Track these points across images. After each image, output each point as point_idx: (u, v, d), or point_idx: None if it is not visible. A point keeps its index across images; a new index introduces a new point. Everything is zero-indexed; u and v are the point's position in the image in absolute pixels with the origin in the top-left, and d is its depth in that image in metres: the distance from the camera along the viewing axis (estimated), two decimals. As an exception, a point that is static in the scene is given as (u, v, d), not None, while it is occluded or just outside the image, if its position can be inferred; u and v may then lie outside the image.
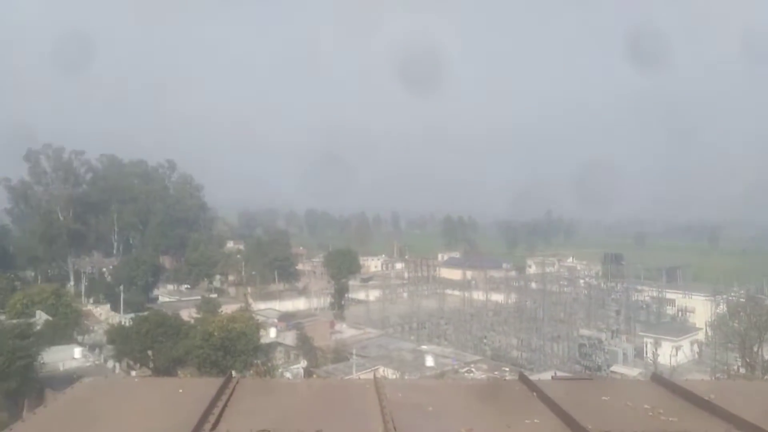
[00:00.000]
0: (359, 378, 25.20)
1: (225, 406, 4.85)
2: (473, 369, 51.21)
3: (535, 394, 5.45)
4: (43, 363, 41.72)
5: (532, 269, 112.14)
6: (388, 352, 57.63)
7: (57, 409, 5.10)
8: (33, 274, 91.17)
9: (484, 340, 67.43)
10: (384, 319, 75.48)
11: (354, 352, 53.31)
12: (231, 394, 5.17)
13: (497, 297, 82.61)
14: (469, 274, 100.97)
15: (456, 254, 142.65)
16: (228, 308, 61.55)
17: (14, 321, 50.74)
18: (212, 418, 4.49)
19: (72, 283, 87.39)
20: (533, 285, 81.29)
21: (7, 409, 39.85)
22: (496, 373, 48.67)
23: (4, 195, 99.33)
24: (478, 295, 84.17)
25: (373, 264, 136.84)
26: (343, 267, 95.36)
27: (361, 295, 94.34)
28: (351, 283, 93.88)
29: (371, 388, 5.48)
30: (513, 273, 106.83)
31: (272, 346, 56.21)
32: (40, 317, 56.22)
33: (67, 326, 57.79)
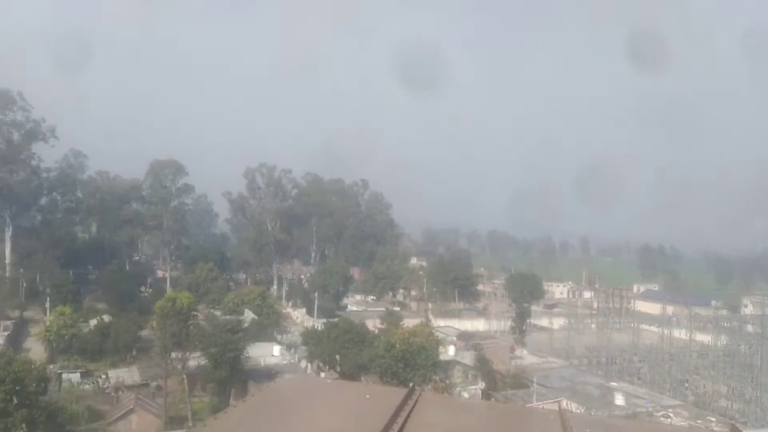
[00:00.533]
0: (542, 407, 24.16)
1: (408, 416, 4.97)
2: (671, 414, 46.18)
3: (752, 451, 4.75)
4: (248, 357, 46.78)
5: (749, 309, 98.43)
6: (572, 385, 54.44)
7: (261, 399, 5.68)
8: (244, 276, 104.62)
9: (686, 384, 61.50)
10: (569, 349, 71.58)
11: (535, 380, 51.29)
12: (414, 406, 5.28)
13: (703, 337, 76.16)
14: (669, 309, 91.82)
15: (654, 286, 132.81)
16: (409, 322, 63.39)
17: (227, 317, 57.88)
18: (396, 427, 4.63)
19: (275, 286, 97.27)
20: (749, 327, 71.45)
21: (217, 395, 45.40)
22: (699, 421, 43.50)
23: (226, 207, 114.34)
24: (680, 334, 76.91)
25: (558, 290, 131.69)
26: (525, 291, 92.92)
27: (543, 322, 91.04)
28: (533, 308, 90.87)
29: (556, 420, 5.23)
30: (724, 312, 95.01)
31: (450, 363, 56.47)
32: (248, 315, 63.28)
33: (269, 325, 64.48)
